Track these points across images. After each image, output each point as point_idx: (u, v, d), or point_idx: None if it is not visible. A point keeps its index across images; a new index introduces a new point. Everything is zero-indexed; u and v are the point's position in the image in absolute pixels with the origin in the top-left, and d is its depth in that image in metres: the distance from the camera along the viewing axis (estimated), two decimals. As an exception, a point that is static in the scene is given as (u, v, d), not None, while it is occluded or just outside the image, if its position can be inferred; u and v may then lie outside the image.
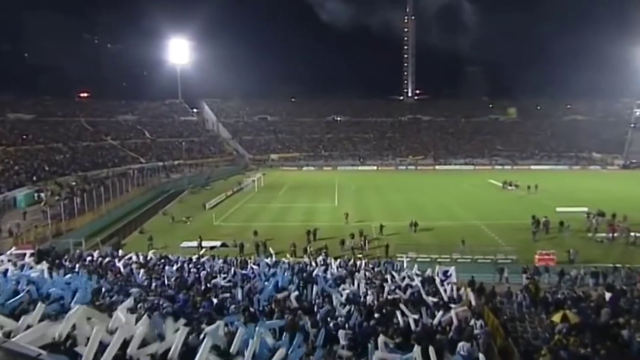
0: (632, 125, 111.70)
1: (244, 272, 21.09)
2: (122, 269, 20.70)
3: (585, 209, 42.08)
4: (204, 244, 33.06)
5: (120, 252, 26.17)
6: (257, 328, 9.48)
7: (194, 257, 25.15)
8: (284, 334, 11.06)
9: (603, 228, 36.45)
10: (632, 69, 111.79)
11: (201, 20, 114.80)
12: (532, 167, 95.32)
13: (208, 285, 18.44)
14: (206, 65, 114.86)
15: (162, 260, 23.84)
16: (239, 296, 16.75)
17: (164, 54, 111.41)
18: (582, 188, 63.97)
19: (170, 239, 35.29)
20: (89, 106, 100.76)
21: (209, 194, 58.68)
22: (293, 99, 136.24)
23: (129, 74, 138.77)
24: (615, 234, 35.13)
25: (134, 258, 23.09)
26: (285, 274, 20.21)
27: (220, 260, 24.43)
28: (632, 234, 34.69)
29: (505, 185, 63.98)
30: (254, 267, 22.43)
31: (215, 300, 16.02)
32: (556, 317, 15.66)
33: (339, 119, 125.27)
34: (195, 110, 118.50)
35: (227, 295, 16.77)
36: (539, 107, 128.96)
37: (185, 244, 33.46)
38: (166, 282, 18.69)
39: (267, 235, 35.64)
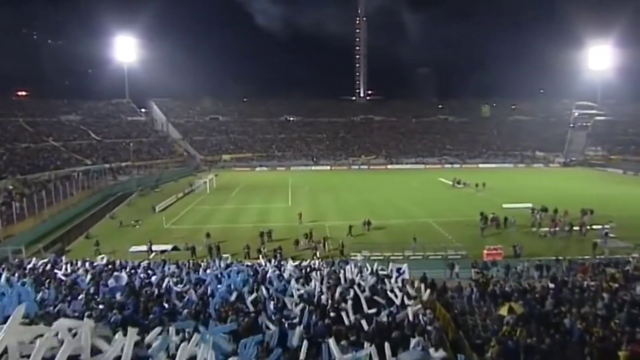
0: (571, 125, 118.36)
1: (196, 275, 20.63)
2: (66, 277, 19.76)
3: (530, 205, 44.18)
4: (154, 248, 32.11)
5: (64, 258, 25.01)
6: (207, 333, 9.26)
7: (144, 262, 24.38)
8: (240, 337, 10.90)
9: (546, 223, 38.27)
10: (571, 72, 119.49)
11: (149, 17, 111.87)
12: (480, 165, 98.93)
13: (159, 290, 17.93)
14: (155, 63, 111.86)
15: (110, 266, 22.97)
16: (192, 300, 16.39)
17: (110, 51, 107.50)
18: (527, 185, 67.12)
19: (118, 243, 34.02)
20: (28, 105, 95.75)
21: (159, 196, 57.11)
22: (245, 99, 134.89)
23: (72, 72, 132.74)
24: (557, 228, 36.95)
25: (79, 264, 22.12)
26: (239, 276, 19.94)
27: (172, 264, 23.82)
28: (574, 227, 36.68)
29: (454, 183, 65.98)
30: (207, 270, 22.01)
31: (166, 306, 15.60)
32: (503, 309, 16.27)
33: (291, 119, 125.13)
34: (143, 110, 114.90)
35: (180, 300, 16.36)
36: (488, 105, 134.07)
37: (134, 248, 32.34)
38: (115, 288, 17.98)
39: (220, 237, 35.04)
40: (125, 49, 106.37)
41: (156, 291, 17.67)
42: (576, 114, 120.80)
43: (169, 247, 32.98)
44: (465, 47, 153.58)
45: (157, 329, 10.09)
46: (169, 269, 22.29)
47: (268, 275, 20.30)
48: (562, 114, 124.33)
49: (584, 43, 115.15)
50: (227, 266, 22.92)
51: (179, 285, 18.39)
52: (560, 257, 27.87)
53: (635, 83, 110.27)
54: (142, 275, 20.66)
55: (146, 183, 66.91)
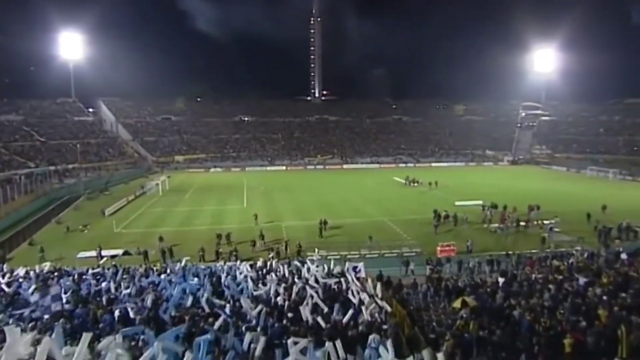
0: (519, 125, 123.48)
1: (149, 280, 20.04)
2: (7, 286, 18.69)
3: (480, 202, 45.68)
4: (104, 253, 30.89)
5: (5, 267, 23.66)
6: (157, 340, 9.00)
7: (94, 268, 23.42)
8: (195, 341, 10.68)
9: (496, 219, 39.65)
10: (518, 74, 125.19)
11: (96, 12, 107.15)
12: (433, 164, 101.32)
13: (110, 296, 17.29)
14: (102, 61, 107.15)
15: (56, 273, 21.93)
16: (145, 306, 15.92)
17: (54, 48, 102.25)
18: (478, 183, 69.41)
19: (65, 249, 32.41)
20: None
21: (109, 199, 55.07)
22: (198, 99, 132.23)
23: (13, 70, 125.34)
24: (506, 224, 38.35)
25: (21, 273, 20.98)
26: (194, 279, 19.54)
27: (123, 270, 23.01)
28: (521, 223, 38.20)
29: (408, 182, 67.31)
30: (161, 274, 21.43)
31: (117, 313, 15.06)
32: (457, 304, 16.71)
33: (246, 119, 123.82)
34: (91, 109, 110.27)
35: (132, 306, 15.83)
36: (438, 107, 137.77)
37: (82, 254, 30.95)
38: (62, 296, 17.14)
39: (173, 240, 34.17)
40: (71, 46, 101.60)
41: (106, 298, 17.04)
42: (523, 114, 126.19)
43: (119, 252, 31.83)
44: (418, 49, 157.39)
45: (109, 338, 9.72)
46: (120, 274, 21.54)
47: (224, 278, 20.01)
48: (510, 115, 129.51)
49: (529, 47, 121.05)
50: (182, 270, 22.37)
51: (131, 291, 17.81)
52: (510, 252, 28.97)
53: (576, 85, 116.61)
54: (91, 282, 19.86)
55: (95, 186, 64.39)
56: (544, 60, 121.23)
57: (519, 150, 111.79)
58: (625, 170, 76.34)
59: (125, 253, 31.68)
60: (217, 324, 13.42)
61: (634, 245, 30.17)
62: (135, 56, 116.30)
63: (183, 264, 23.78)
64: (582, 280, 19.92)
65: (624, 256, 25.95)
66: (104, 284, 19.05)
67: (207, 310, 15.43)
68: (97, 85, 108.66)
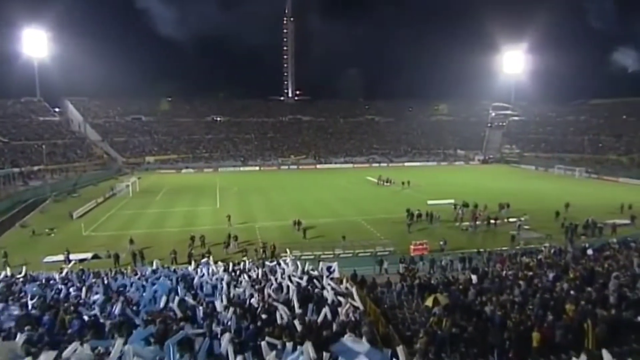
0: (489, 125, 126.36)
1: (119, 283, 19.58)
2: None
3: (452, 201, 46.39)
4: (72, 257, 29.99)
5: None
6: (127, 344, 8.79)
7: (61, 272, 22.74)
8: (166, 343, 10.46)
9: (467, 217, 40.31)
10: (488, 75, 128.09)
11: (61, 9, 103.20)
12: (406, 164, 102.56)
13: (78, 301, 16.81)
14: (69, 60, 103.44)
15: (21, 279, 21.20)
16: (116, 310, 15.54)
17: (17, 45, 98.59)
18: (449, 182, 70.60)
19: (30, 254, 31.35)
20: None
21: (77, 201, 53.65)
22: (169, 98, 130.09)
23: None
24: (478, 222, 39.04)
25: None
26: (166, 282, 19.18)
27: (92, 273, 22.45)
28: (492, 220, 38.94)
29: (380, 181, 67.89)
30: (132, 278, 20.97)
31: (86, 318, 14.65)
32: (430, 302, 16.89)
33: (218, 119, 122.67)
34: (57, 109, 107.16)
35: (102, 311, 15.45)
36: (410, 109, 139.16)
37: (49, 258, 30.05)
38: (28, 303, 16.56)
39: (144, 243, 33.57)
40: (35, 43, 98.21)
41: (74, 303, 16.55)
42: (493, 114, 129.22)
43: (88, 255, 31.02)
44: (391, 49, 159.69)
45: (75, 344, 9.44)
46: (89, 278, 20.99)
47: (196, 280, 19.72)
48: (480, 115, 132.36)
49: (499, 48, 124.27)
50: (153, 272, 21.94)
51: (101, 296, 17.36)
52: (481, 250, 29.48)
53: (544, 86, 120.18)
54: (59, 287, 19.28)
55: (62, 188, 62.61)
56: (513, 62, 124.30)
57: (490, 149, 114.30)
58: (590, 169, 78.90)
59: (95, 257, 30.90)
60: (189, 327, 13.19)
61: (598, 241, 31.16)
62: (103, 54, 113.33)
63: (155, 266, 23.33)
64: (550, 275, 20.43)
65: (589, 252, 26.77)
66: (72, 289, 18.52)
67: (179, 313, 15.17)
68: (64, 84, 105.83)
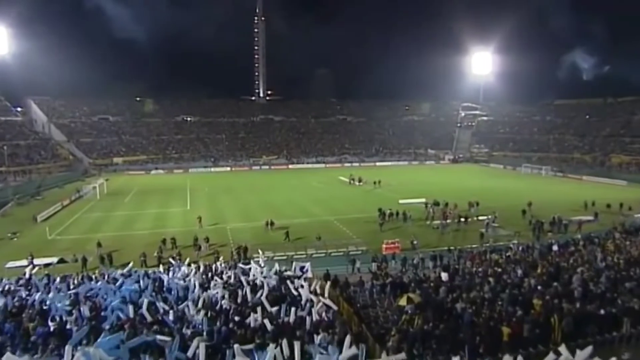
0: (458, 124, 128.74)
1: (86, 288, 19.05)
2: None
3: (423, 200, 46.97)
4: (37, 261, 28.91)
5: None
6: (92, 350, 8.55)
7: (23, 278, 21.97)
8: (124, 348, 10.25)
9: (438, 216, 40.86)
10: (457, 76, 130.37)
11: (23, 4, 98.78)
12: (377, 163, 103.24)
13: (43, 308, 16.28)
14: (32, 58, 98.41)
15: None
16: (83, 316, 15.14)
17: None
18: (420, 181, 71.52)
19: (-9, 259, 30.22)
20: None
21: (41, 204, 51.96)
22: (137, 98, 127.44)
23: None
24: (448, 220, 39.63)
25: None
26: (135, 286, 18.80)
27: (58, 278, 21.77)
28: (462, 218, 39.63)
29: (350, 180, 68.30)
30: (99, 282, 20.43)
31: (52, 325, 14.22)
32: (402, 300, 17.05)
33: (188, 119, 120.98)
34: (19, 109, 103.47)
35: (69, 316, 15.03)
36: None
37: (11, 264, 28.90)
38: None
39: (113, 246, 32.74)
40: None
41: (39, 310, 16.03)
42: (462, 114, 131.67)
43: (54, 259, 30.04)
44: (362, 50, 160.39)
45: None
46: (54, 283, 20.36)
47: (167, 283, 19.39)
48: (450, 115, 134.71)
49: (468, 50, 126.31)
50: (122, 276, 21.44)
51: (67, 301, 16.87)
52: (452, 247, 29.92)
53: (511, 86, 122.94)
54: (22, 294, 18.64)
55: (25, 190, 60.43)
56: (482, 63, 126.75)
57: (459, 149, 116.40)
58: (556, 167, 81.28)
59: (61, 261, 29.97)
60: (159, 331, 12.97)
61: (564, 238, 32.06)
62: (68, 53, 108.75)
63: (124, 270, 22.80)
64: (518, 272, 20.91)
65: (555, 248, 27.55)
66: (36, 295, 17.91)
67: (149, 317, 14.89)
68: (26, 83, 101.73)
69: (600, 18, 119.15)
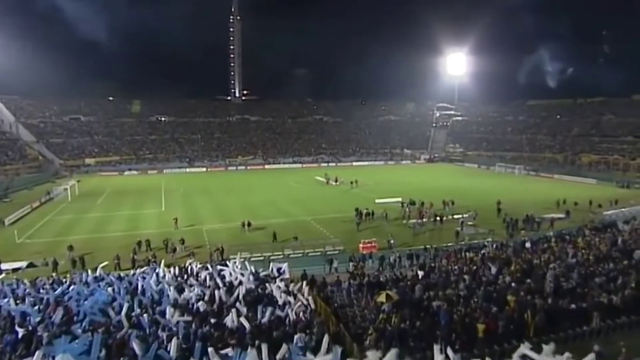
0: (434, 125, 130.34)
1: (57, 292, 18.55)
2: None
3: (400, 199, 47.33)
4: (4, 266, 28.04)
5: None
6: (60, 356, 8.32)
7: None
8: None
9: (414, 215, 41.24)
10: (432, 76, 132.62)
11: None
12: (354, 163, 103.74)
13: (10, 313, 15.76)
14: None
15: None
16: (54, 321, 14.73)
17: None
18: (397, 181, 72.08)
19: (-44, 264, 29.13)
20: None
21: (9, 206, 50.38)
22: (110, 98, 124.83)
23: None
24: (424, 219, 40.04)
25: None
26: (108, 289, 18.40)
27: (28, 283, 21.13)
28: (437, 217, 40.08)
29: (326, 179, 68.47)
30: (71, 286, 19.92)
31: (21, 331, 13.78)
32: (379, 299, 17.12)
33: (163, 119, 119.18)
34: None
35: (40, 322, 14.60)
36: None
37: (-22, 269, 28.01)
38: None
39: (85, 249, 32.02)
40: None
41: (6, 316, 15.52)
42: (437, 114, 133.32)
43: (23, 264, 29.14)
44: (339, 50, 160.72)
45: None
46: (22, 289, 19.75)
47: (142, 286, 19.03)
48: (425, 115, 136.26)
49: (442, 51, 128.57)
50: (95, 280, 20.95)
51: (37, 307, 16.40)
52: (428, 246, 30.24)
53: (485, 87, 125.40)
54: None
55: (-8, 193, 58.74)
56: (456, 64, 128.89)
57: (435, 148, 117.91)
58: (528, 166, 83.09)
59: (30, 265, 29.10)
60: (133, 335, 12.72)
61: (536, 235, 32.77)
62: (36, 51, 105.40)
63: (97, 273, 22.26)
64: (493, 269, 21.24)
65: (528, 245, 28.13)
66: (4, 301, 17.34)
67: (124, 320, 14.59)
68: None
69: (570, 20, 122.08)
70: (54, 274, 25.99)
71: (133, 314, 15.37)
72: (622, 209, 42.39)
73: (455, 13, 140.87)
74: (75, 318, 15.28)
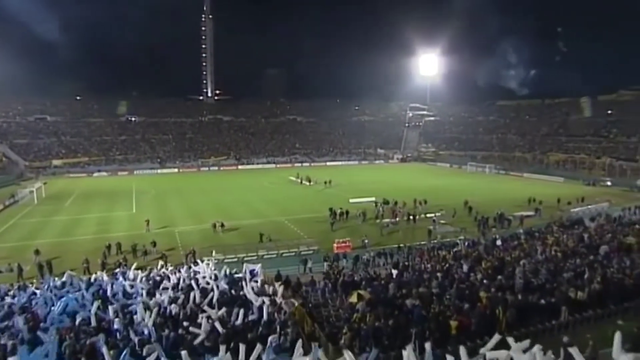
0: (406, 125, 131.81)
1: (23, 299, 17.96)
2: None
3: (373, 199, 47.64)
4: (-34, 272, 27.06)
5: None
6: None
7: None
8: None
9: (388, 214, 41.55)
10: (405, 77, 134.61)
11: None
12: (328, 163, 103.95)
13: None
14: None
15: None
16: (18, 328, 14.26)
17: None
18: (370, 180, 72.56)
19: None
20: None
21: (-29, 210, 48.68)
22: (78, 97, 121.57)
23: None
24: (397, 219, 40.38)
25: None
26: (77, 294, 17.91)
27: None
28: (410, 216, 40.44)
29: (298, 179, 68.52)
30: (38, 291, 19.30)
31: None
32: (353, 298, 17.16)
33: (133, 119, 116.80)
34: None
35: (3, 330, 14.11)
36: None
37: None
38: None
39: (52, 253, 31.06)
40: None
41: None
42: (410, 114, 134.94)
43: (-14, 270, 28.13)
44: (312, 50, 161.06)
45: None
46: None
47: (113, 290, 18.59)
48: (398, 115, 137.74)
49: (415, 52, 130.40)
50: (63, 285, 20.32)
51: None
52: (401, 245, 30.49)
53: (456, 87, 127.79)
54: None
55: (-48, 196, 56.50)
56: (428, 64, 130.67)
57: (408, 148, 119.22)
58: (499, 165, 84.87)
59: (-6, 271, 28.11)
60: (101, 341, 12.41)
61: (507, 232, 33.45)
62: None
63: (64, 278, 21.61)
64: (465, 266, 21.57)
65: (499, 242, 28.67)
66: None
67: (93, 325, 14.24)
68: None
69: (538, 23, 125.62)
70: (19, 280, 25.17)
71: (105, 318, 15.03)
72: (589, 206, 43.73)
73: (427, 14, 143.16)
74: (42, 324, 14.83)
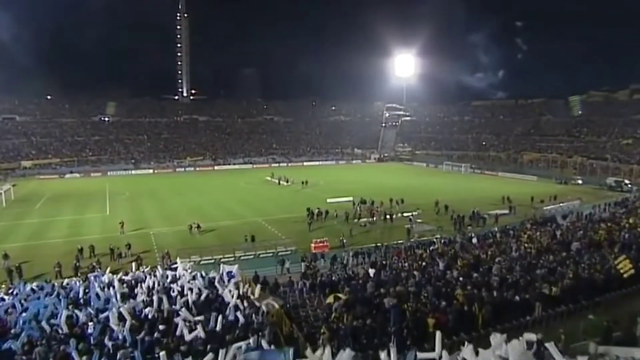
0: (383, 124, 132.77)
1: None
2: None
3: (351, 198, 47.77)
4: None
5: None
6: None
7: None
8: None
9: (365, 214, 41.71)
10: (382, 77, 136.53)
11: None
12: (305, 163, 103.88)
13: None
14: None
15: None
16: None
17: None
18: (348, 180, 72.80)
19: None
20: None
21: (-64, 214, 46.96)
22: (49, 97, 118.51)
23: None
24: (375, 218, 40.58)
25: None
26: (48, 299, 17.40)
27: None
28: (387, 215, 40.66)
29: (280, 180, 68.31)
30: (6, 297, 18.70)
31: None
32: (331, 298, 17.16)
33: (107, 119, 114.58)
34: None
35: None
36: (314, 103, 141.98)
37: None
38: None
39: (22, 257, 30.08)
40: None
41: None
42: (387, 114, 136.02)
43: (-49, 275, 27.14)
44: (289, 50, 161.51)
45: None
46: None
47: (85, 294, 18.14)
48: (375, 115, 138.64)
49: (391, 52, 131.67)
50: (33, 290, 19.72)
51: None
52: (379, 244, 30.63)
53: (432, 88, 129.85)
54: None
55: None
56: (404, 65, 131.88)
57: (384, 148, 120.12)
58: (474, 165, 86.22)
59: (-40, 276, 27.15)
60: (72, 346, 12.09)
61: (482, 230, 33.96)
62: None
63: (34, 283, 21.00)
64: (441, 265, 21.79)
65: (474, 240, 29.06)
66: None
67: (66, 331, 13.85)
68: None
69: (511, 25, 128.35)
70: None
71: (77, 323, 14.65)
72: (561, 204, 44.80)
73: (403, 15, 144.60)
74: (12, 330, 14.37)
